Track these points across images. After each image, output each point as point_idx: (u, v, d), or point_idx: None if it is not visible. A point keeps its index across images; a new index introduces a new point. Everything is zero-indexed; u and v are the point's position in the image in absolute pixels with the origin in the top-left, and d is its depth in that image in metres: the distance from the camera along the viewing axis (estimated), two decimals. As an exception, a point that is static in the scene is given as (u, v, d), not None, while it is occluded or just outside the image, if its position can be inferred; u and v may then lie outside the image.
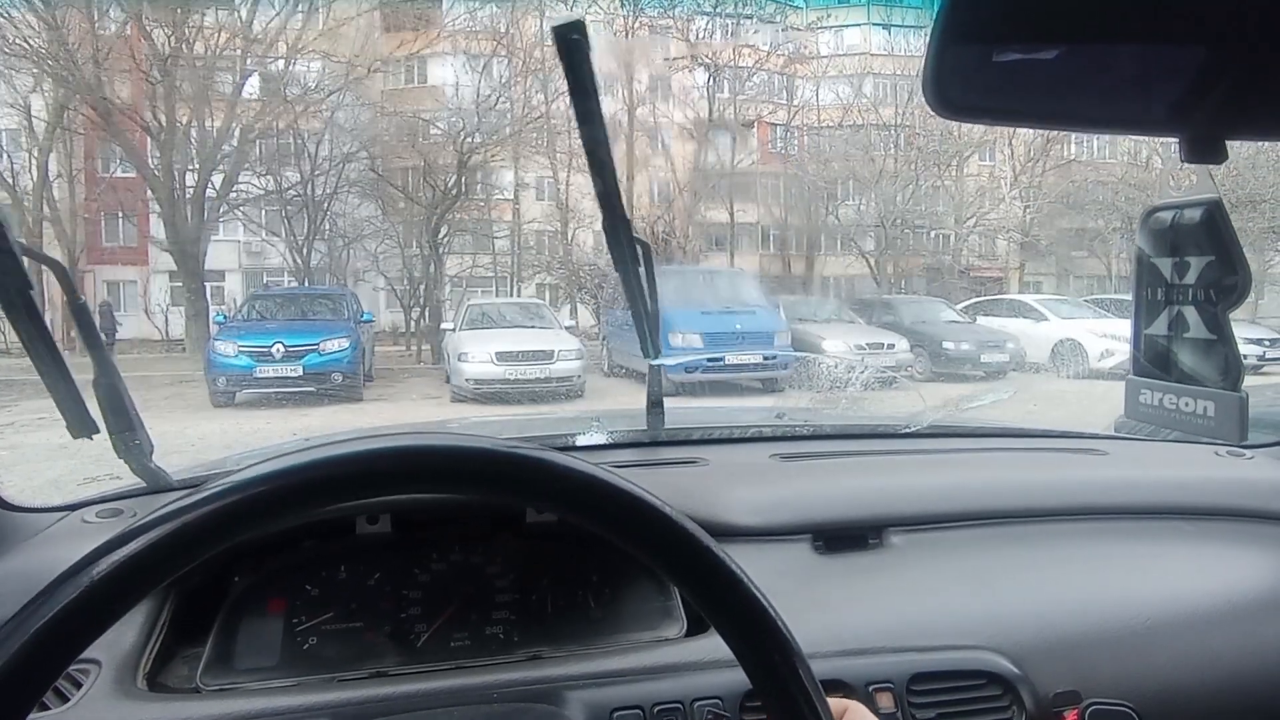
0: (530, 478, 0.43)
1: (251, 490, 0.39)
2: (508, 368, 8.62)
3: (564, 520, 0.89)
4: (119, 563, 0.37)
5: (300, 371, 8.50)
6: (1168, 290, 0.47)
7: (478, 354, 8.76)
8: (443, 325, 11.72)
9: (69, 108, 14.77)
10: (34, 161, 15.60)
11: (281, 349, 8.58)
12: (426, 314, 15.69)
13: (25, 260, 0.83)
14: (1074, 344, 11.07)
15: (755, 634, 0.44)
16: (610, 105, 20.09)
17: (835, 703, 0.50)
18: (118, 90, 14.35)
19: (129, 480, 0.97)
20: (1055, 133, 22.15)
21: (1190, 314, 0.46)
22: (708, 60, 20.82)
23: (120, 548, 0.37)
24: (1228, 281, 0.44)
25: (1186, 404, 0.46)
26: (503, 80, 17.77)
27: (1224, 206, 0.44)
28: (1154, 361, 0.48)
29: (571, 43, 0.79)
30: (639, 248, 1.01)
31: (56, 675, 0.38)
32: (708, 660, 0.75)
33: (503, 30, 18.85)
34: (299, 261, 16.30)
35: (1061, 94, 0.44)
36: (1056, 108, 0.44)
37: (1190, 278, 0.46)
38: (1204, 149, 0.43)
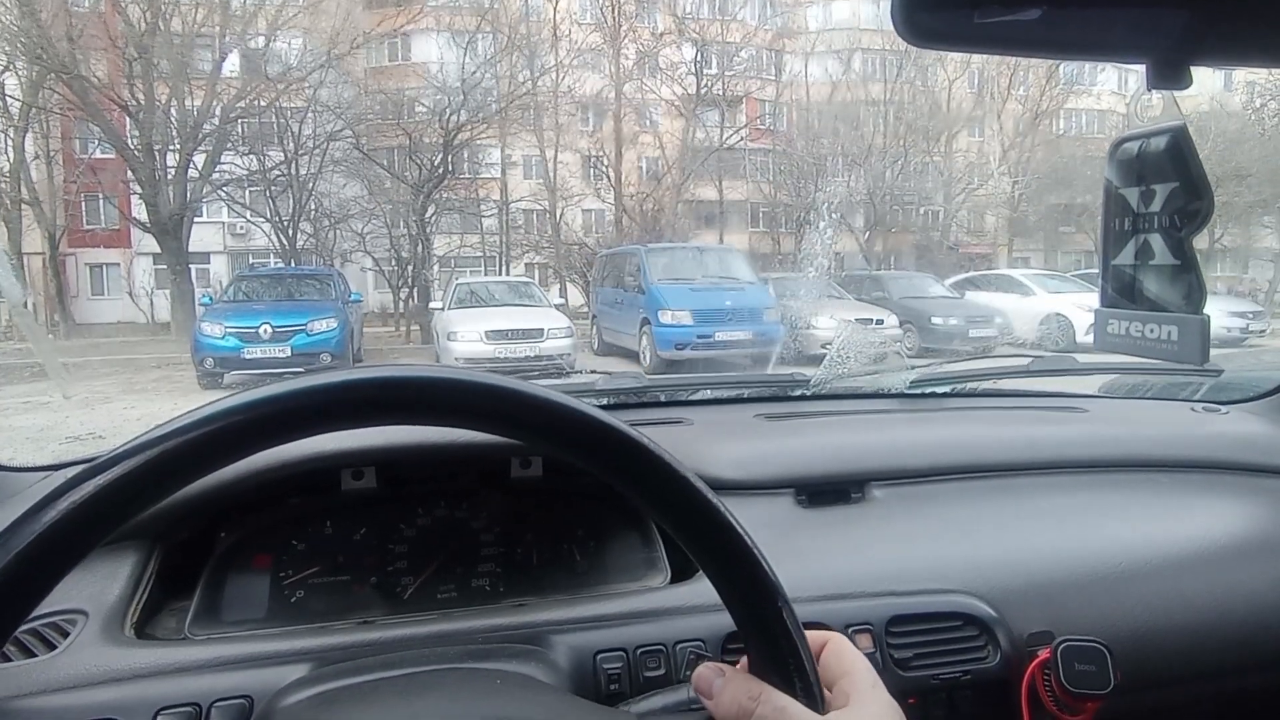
0: (525, 413, 0.42)
1: (235, 417, 0.39)
2: (497, 346, 8.59)
3: (549, 474, 0.90)
4: (101, 486, 0.37)
5: (288, 352, 8.45)
6: (1134, 219, 0.48)
7: (467, 333, 8.73)
8: (431, 305, 11.66)
9: (44, 86, 14.46)
10: (10, 142, 15.30)
11: (269, 330, 8.52)
12: (415, 294, 15.60)
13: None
14: (1061, 318, 11.15)
15: (741, 574, 0.45)
16: (597, 81, 19.88)
17: (817, 635, 0.51)
18: (94, 68, 14.05)
19: (112, 441, 0.97)
20: (1045, 106, 22.21)
21: (1156, 241, 0.46)
22: (695, 35, 20.59)
23: (102, 473, 0.38)
24: (1192, 207, 0.45)
25: (1152, 330, 0.47)
26: (488, 56, 17.51)
27: (1189, 132, 0.45)
28: (1121, 291, 0.48)
29: None
30: None
31: (38, 599, 0.38)
32: (690, 605, 0.76)
33: (486, 5, 18.56)
34: (285, 242, 16.14)
35: (1030, 23, 0.44)
36: (1027, 34, 0.45)
37: (1156, 205, 0.47)
38: (1169, 74, 0.43)
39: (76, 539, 0.38)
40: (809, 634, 0.48)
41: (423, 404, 0.42)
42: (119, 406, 6.76)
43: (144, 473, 0.39)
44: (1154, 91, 0.44)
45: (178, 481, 0.40)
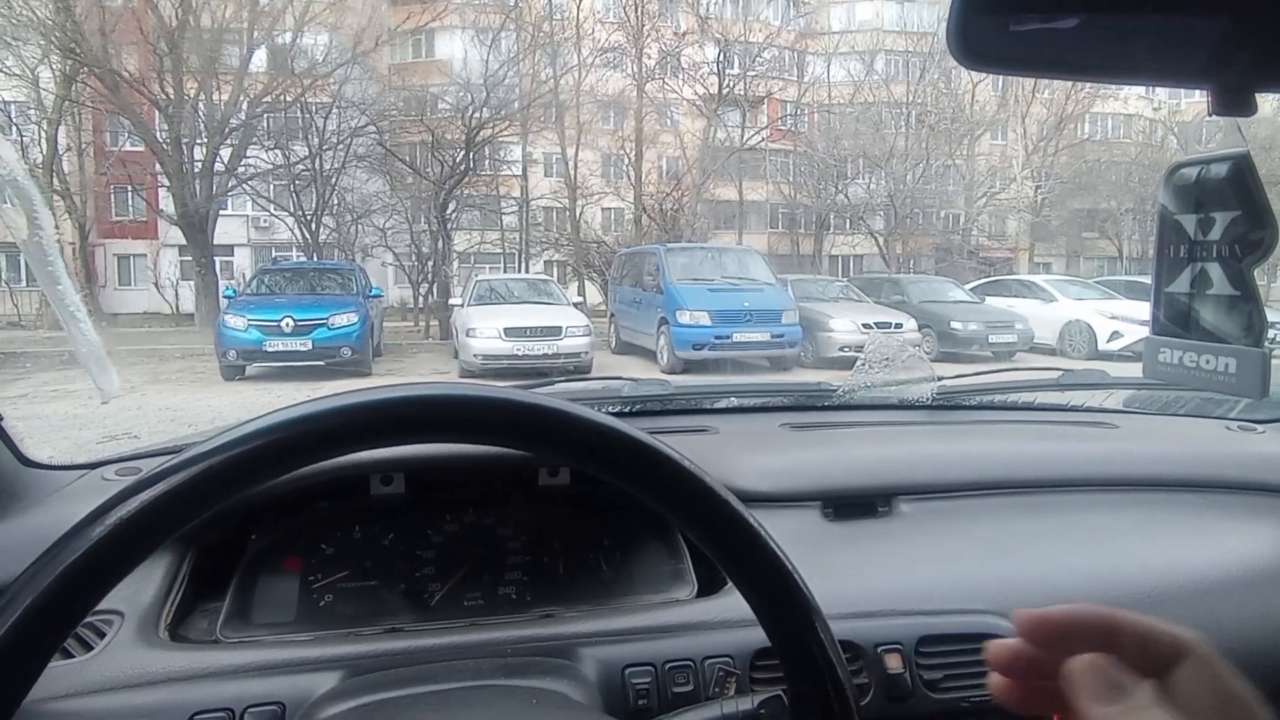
0: (551, 429, 0.42)
1: (274, 435, 0.39)
2: (516, 343, 8.62)
3: (576, 483, 0.90)
4: (145, 503, 0.37)
5: (309, 345, 8.53)
6: (1191, 247, 0.47)
7: (486, 330, 8.76)
8: (451, 301, 11.71)
9: (77, 80, 14.72)
10: (43, 134, 15.58)
11: (291, 323, 8.60)
12: (435, 290, 15.69)
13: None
14: (1083, 325, 10.99)
15: (775, 590, 0.45)
16: (619, 80, 19.87)
17: None
18: (125, 62, 14.29)
19: (146, 440, 0.98)
20: (1070, 110, 21.89)
21: (1214, 270, 0.45)
22: (718, 35, 20.51)
23: (144, 490, 0.38)
24: (1254, 236, 0.44)
25: (1207, 361, 0.45)
26: (511, 54, 17.57)
27: (1252, 160, 0.44)
28: (1174, 320, 0.47)
29: None
30: None
31: (81, 617, 0.38)
32: (719, 620, 0.76)
33: (511, 3, 18.62)
34: (307, 236, 16.28)
35: (1089, 45, 0.43)
36: (1084, 59, 0.44)
37: (1215, 234, 0.45)
38: (1233, 101, 0.42)
39: (124, 553, 0.38)
40: None
41: (422, 423, 0.41)
42: (145, 396, 6.86)
43: (202, 481, 0.39)
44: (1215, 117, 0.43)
45: (220, 498, 0.40)
